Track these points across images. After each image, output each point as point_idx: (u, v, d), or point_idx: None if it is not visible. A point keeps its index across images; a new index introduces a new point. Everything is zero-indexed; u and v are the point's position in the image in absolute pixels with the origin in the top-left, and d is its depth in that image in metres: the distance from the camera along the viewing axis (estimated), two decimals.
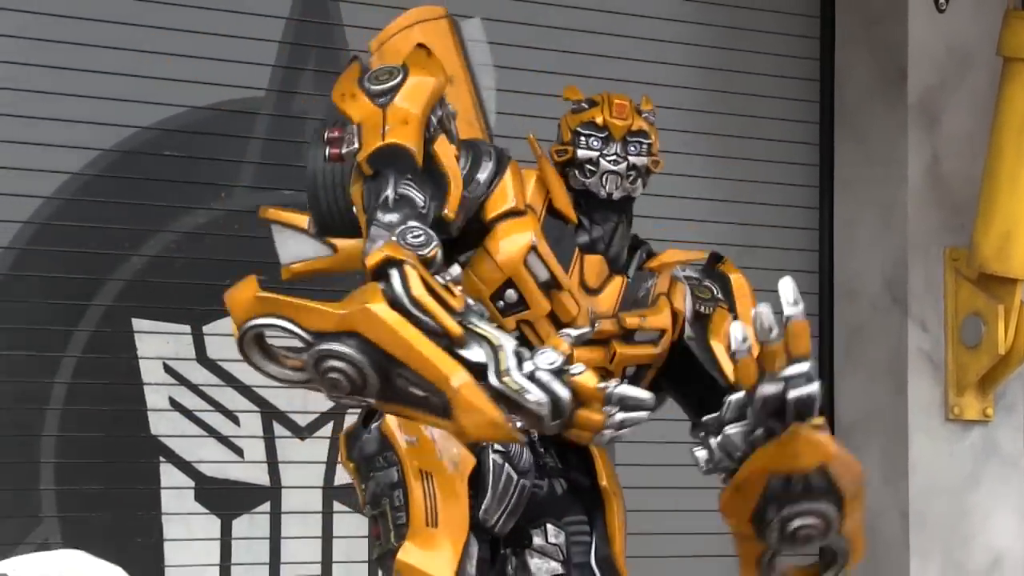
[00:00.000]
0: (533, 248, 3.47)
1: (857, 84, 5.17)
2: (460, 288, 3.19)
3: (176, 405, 4.34)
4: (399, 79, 3.38)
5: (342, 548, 4.53)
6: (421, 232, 3.15)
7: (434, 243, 3.15)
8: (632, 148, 3.55)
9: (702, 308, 3.71)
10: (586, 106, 3.60)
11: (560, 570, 3.58)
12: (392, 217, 3.21)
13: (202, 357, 4.38)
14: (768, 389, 3.27)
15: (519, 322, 3.47)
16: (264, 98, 4.47)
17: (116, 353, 4.26)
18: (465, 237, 3.47)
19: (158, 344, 4.33)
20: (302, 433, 4.50)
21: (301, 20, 4.50)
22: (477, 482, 3.53)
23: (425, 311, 2.98)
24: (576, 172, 3.55)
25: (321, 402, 4.28)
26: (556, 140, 3.64)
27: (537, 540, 3.55)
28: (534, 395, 2.94)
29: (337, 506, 4.53)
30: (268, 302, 3.07)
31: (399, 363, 3.00)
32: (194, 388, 4.37)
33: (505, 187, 3.52)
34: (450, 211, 3.34)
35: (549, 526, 3.57)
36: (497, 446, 3.51)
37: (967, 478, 4.99)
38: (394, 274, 3.03)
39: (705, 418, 3.51)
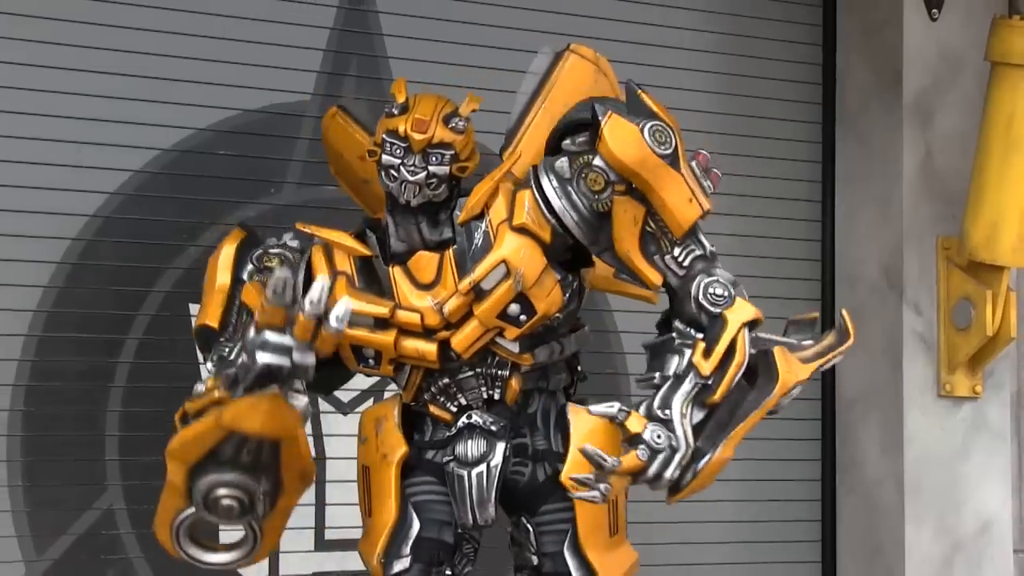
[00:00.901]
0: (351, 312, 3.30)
1: (856, 87, 5.17)
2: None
3: None
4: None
5: None
6: (200, 384, 3.35)
7: (208, 380, 3.34)
8: (433, 159, 3.38)
9: (600, 205, 3.39)
10: (396, 112, 3.43)
11: (535, 561, 3.53)
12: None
13: None
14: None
15: (393, 363, 3.43)
16: (310, 101, 4.46)
17: (174, 335, 4.25)
18: None
19: None
20: (344, 409, 4.49)
21: (344, 30, 4.49)
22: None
23: (201, 410, 3.21)
24: (383, 175, 3.41)
25: (361, 381, 4.31)
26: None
27: (511, 531, 3.56)
28: (252, 362, 3.12)
29: None
30: (161, 530, 3.34)
31: (219, 448, 3.13)
32: None
33: (314, 266, 3.50)
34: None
35: (522, 519, 3.52)
36: (447, 456, 3.50)
37: (958, 450, 4.99)
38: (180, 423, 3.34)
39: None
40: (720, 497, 4.12)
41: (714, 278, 3.38)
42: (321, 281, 3.10)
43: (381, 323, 3.37)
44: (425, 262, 3.42)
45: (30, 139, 4.11)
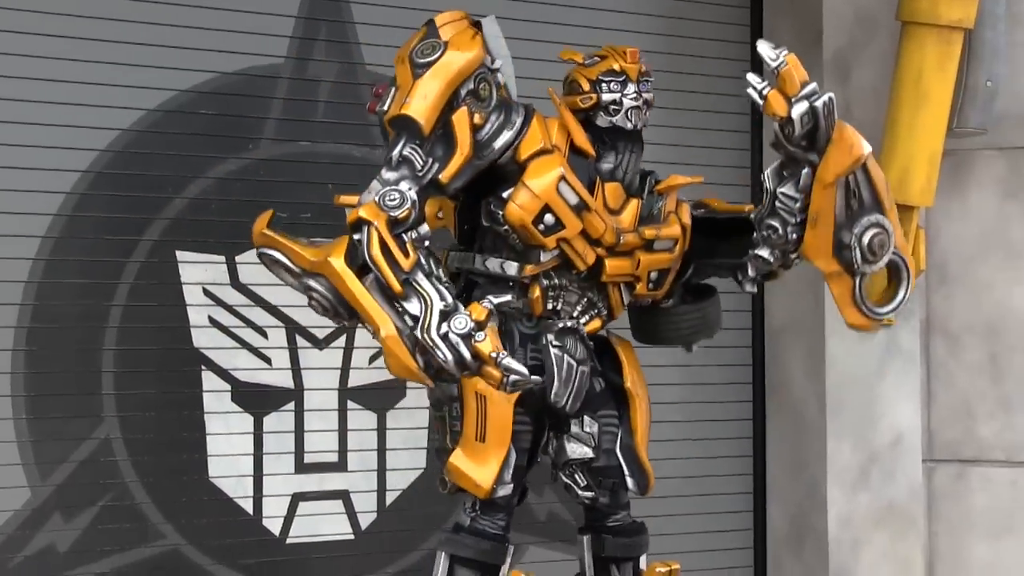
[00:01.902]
0: (563, 177, 3.50)
1: (783, 43, 5.04)
2: (427, 242, 3.38)
3: (214, 322, 4.37)
4: (437, 55, 3.42)
5: (355, 439, 4.56)
6: (397, 196, 3.30)
7: (406, 205, 3.31)
8: (643, 86, 3.62)
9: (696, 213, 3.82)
10: (598, 59, 3.65)
11: (591, 454, 3.63)
12: (391, 175, 3.35)
13: (235, 282, 4.40)
14: (800, 108, 3.50)
15: (559, 240, 3.51)
16: (283, 64, 4.45)
17: (163, 280, 4.28)
18: (506, 177, 3.51)
19: (198, 272, 4.35)
20: (320, 344, 4.52)
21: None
22: (541, 411, 3.63)
23: (377, 268, 3.23)
24: (602, 113, 3.58)
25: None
26: (569, 91, 3.65)
27: (575, 428, 3.62)
28: (442, 353, 3.20)
29: (351, 404, 4.57)
30: (268, 238, 3.43)
31: (351, 304, 3.29)
32: (229, 308, 4.39)
33: (534, 133, 3.52)
34: (445, 177, 3.40)
35: (585, 417, 3.63)
36: (554, 340, 3.58)
37: (874, 372, 5.04)
38: (362, 233, 3.26)
39: (753, 215, 3.71)
40: (660, 418, 4.20)
41: None
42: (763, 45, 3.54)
43: (575, 208, 3.50)
44: (617, 193, 3.62)
45: (28, 101, 4.10)
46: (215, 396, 4.38)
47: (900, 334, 5.05)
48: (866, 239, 3.62)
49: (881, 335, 4.99)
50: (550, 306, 3.61)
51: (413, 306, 3.23)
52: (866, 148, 3.65)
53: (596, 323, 3.69)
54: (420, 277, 3.26)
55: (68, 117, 4.15)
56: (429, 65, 3.40)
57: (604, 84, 3.58)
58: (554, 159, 3.51)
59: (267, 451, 4.44)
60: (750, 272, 3.79)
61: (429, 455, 4.57)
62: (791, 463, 5.13)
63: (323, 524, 4.50)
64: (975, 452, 5.15)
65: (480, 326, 3.24)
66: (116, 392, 4.23)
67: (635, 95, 3.59)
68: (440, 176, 3.39)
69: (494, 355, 3.22)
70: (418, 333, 3.20)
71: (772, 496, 5.21)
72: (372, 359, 4.58)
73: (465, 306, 3.27)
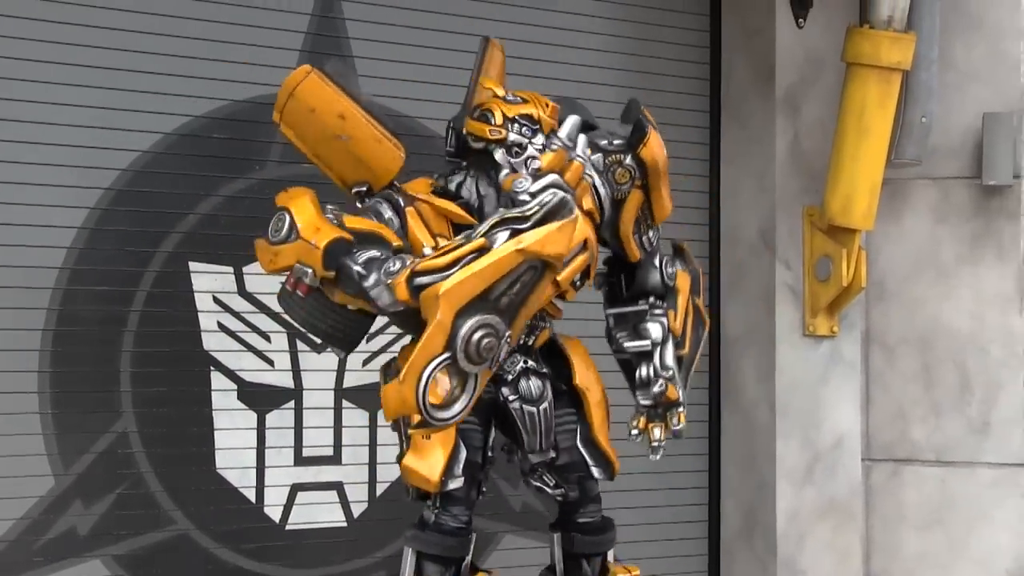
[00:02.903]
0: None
1: (737, 81, 5.18)
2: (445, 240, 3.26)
3: (222, 327, 4.35)
4: (286, 219, 3.28)
5: (349, 435, 4.54)
6: (395, 261, 3.11)
7: (405, 258, 3.13)
8: (550, 141, 3.48)
9: (618, 194, 3.59)
10: (520, 100, 3.49)
11: (552, 454, 3.58)
12: (376, 274, 3.14)
13: (242, 291, 4.39)
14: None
15: None
16: None
17: (176, 288, 4.27)
18: None
19: (208, 281, 4.34)
20: (318, 348, 4.45)
21: (316, 34, 4.45)
22: (510, 429, 3.57)
23: (460, 259, 2.96)
24: (503, 150, 3.43)
25: None
26: (479, 118, 3.48)
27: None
28: (549, 195, 3.07)
29: (345, 403, 4.54)
30: (407, 385, 2.96)
31: (494, 286, 2.97)
32: (236, 314, 4.38)
33: (415, 235, 3.39)
34: (399, 242, 3.30)
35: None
36: (510, 395, 3.51)
37: (819, 378, 5.03)
38: (418, 279, 2.99)
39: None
40: (617, 418, 4.17)
41: (668, 256, 3.71)
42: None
43: None
44: None
45: (57, 125, 4.09)
46: (222, 394, 4.36)
47: (842, 345, 5.07)
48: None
49: (825, 346, 5.02)
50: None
51: (501, 235, 3.01)
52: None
53: (544, 335, 3.63)
54: (473, 231, 3.09)
55: (93, 139, 4.14)
56: (293, 227, 3.26)
57: (517, 125, 3.44)
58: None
59: (269, 445, 4.43)
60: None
61: None
62: (743, 461, 5.15)
63: (319, 512, 4.50)
64: (908, 452, 5.14)
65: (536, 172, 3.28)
66: (133, 390, 4.22)
67: (540, 147, 3.45)
68: (396, 245, 3.27)
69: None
70: (531, 219, 3.02)
71: (726, 491, 5.22)
72: (365, 362, 4.55)
73: None
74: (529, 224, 3.00)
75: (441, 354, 2.93)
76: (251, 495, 4.42)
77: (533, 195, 3.12)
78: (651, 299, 3.65)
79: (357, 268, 3.16)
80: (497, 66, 3.78)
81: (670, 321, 3.62)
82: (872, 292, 5.12)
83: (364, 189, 3.43)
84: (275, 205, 3.39)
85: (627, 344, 3.63)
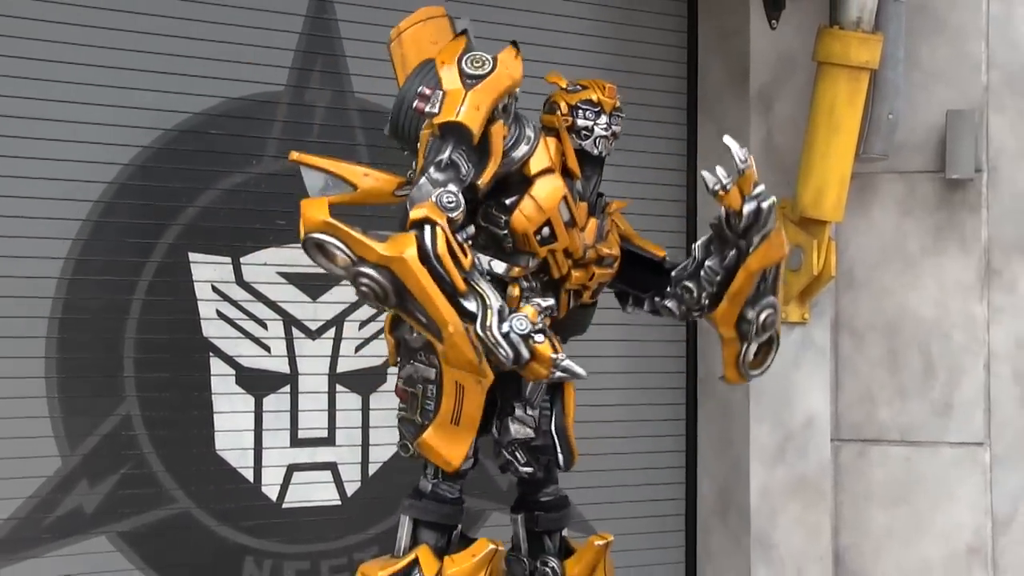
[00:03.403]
0: (564, 197, 3.46)
1: (713, 81, 5.20)
2: (471, 243, 3.28)
3: (220, 315, 4.36)
4: (487, 70, 3.31)
5: (342, 418, 4.56)
6: (454, 198, 3.14)
7: (461, 208, 3.15)
8: (614, 119, 3.58)
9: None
10: (580, 88, 3.59)
11: (532, 435, 3.60)
12: (440, 176, 3.20)
13: (239, 280, 4.40)
14: (750, 206, 3.54)
15: (548, 250, 3.47)
16: (283, 92, 4.45)
17: (177, 277, 4.28)
18: (511, 185, 3.43)
19: (207, 271, 4.35)
20: (313, 335, 4.51)
21: (310, 34, 4.46)
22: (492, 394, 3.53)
23: (443, 266, 3.04)
24: (574, 136, 3.53)
25: (326, 312, 4.50)
26: (548, 110, 3.58)
27: (518, 412, 3.59)
28: (504, 351, 3.08)
29: (339, 388, 4.56)
30: (332, 227, 3.13)
31: (415, 298, 3.07)
32: (234, 303, 4.39)
33: (542, 150, 3.45)
34: (482, 182, 3.30)
35: (527, 406, 3.59)
36: None
37: (791, 363, 4.99)
38: (427, 231, 3.06)
39: (673, 272, 3.75)
40: (606, 403, 4.23)
41: None
42: (731, 142, 3.51)
43: (567, 224, 3.48)
44: (584, 212, 3.56)
45: (62, 121, 4.09)
46: (221, 379, 4.38)
47: (813, 331, 5.07)
48: (762, 317, 3.65)
49: (797, 332, 5.01)
50: (522, 303, 3.43)
51: (471, 304, 3.09)
52: (787, 248, 3.73)
53: (548, 322, 3.53)
54: (477, 277, 3.15)
55: (96, 135, 4.15)
56: (480, 78, 3.30)
57: (581, 111, 3.54)
58: (557, 179, 3.47)
59: (266, 427, 4.45)
60: (645, 308, 3.84)
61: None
62: (718, 442, 5.17)
63: (314, 491, 4.51)
64: (875, 433, 5.14)
65: (536, 327, 3.13)
66: (136, 375, 4.23)
67: (606, 126, 3.56)
68: (479, 181, 3.30)
69: (554, 356, 3.14)
70: (480, 331, 3.07)
71: (702, 471, 5.23)
72: (358, 348, 4.58)
73: None
74: (480, 334, 3.10)
75: (341, 265, 3.18)
76: (249, 475, 4.43)
77: (505, 335, 3.11)
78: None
79: (444, 155, 3.24)
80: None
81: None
82: (841, 281, 5.13)
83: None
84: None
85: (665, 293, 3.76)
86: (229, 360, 4.42)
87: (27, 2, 4.07)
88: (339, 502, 4.58)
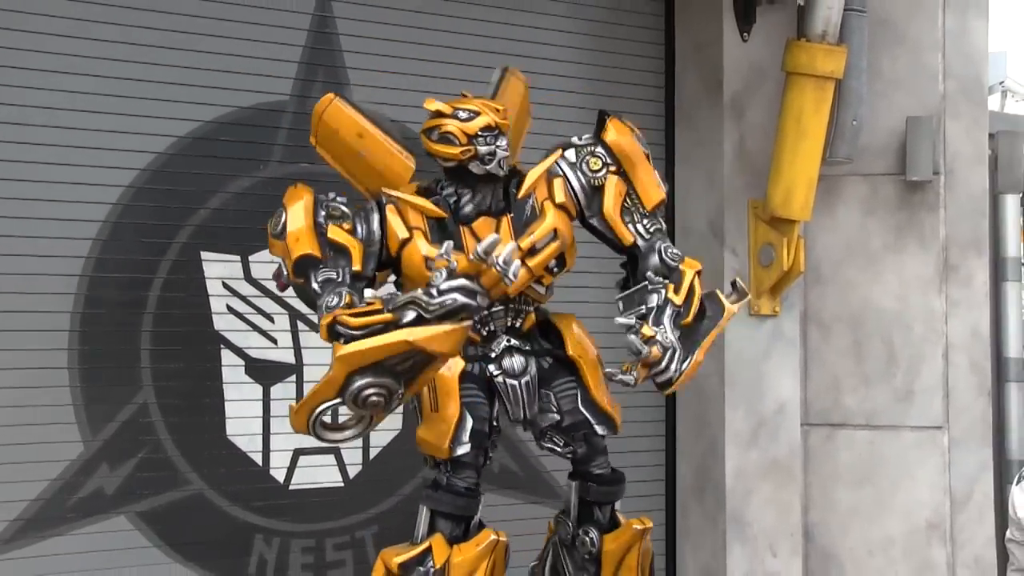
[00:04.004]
0: (426, 259, 3.42)
1: (689, 89, 5.21)
2: (374, 295, 3.27)
3: (231, 309, 4.39)
4: (282, 219, 3.44)
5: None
6: (334, 296, 3.25)
7: (343, 295, 3.25)
8: (506, 135, 3.52)
9: (595, 181, 3.62)
10: (472, 114, 3.47)
11: (557, 418, 3.62)
12: (325, 300, 3.28)
13: (248, 277, 4.42)
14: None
15: None
16: (288, 101, 4.47)
17: (190, 275, 4.31)
18: (393, 263, 3.52)
19: (218, 268, 4.37)
20: (316, 328, 4.14)
21: (313, 47, 4.49)
22: (494, 398, 3.59)
23: (370, 326, 3.11)
24: (478, 162, 3.46)
25: None
26: (441, 140, 3.49)
27: (539, 403, 3.62)
28: (450, 299, 3.13)
29: None
30: (300, 414, 3.20)
31: (386, 359, 3.09)
32: (242, 298, 4.42)
33: (391, 227, 3.47)
34: (358, 267, 3.40)
35: (542, 391, 3.62)
36: (494, 370, 3.55)
37: (762, 354, 5.04)
38: (337, 328, 3.15)
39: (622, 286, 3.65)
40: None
41: (668, 244, 3.63)
42: (498, 240, 3.25)
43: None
44: (486, 224, 3.52)
45: (82, 130, 4.13)
46: (232, 369, 4.40)
47: (783, 323, 5.09)
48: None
49: (768, 324, 5.03)
50: (485, 332, 3.57)
51: (408, 315, 3.13)
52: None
53: (530, 319, 3.67)
54: (392, 303, 3.19)
55: (114, 142, 4.19)
56: (283, 226, 3.42)
57: (481, 138, 3.45)
58: (414, 245, 3.46)
59: (274, 414, 4.46)
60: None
61: (405, 419, 4.52)
62: (696, 426, 5.18)
63: (319, 474, 4.52)
64: (841, 418, 5.14)
65: (449, 271, 3.16)
66: (152, 365, 4.26)
67: (505, 146, 3.49)
68: (355, 270, 3.38)
69: (472, 257, 3.22)
70: (425, 315, 3.12)
71: (680, 453, 5.24)
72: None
73: None
74: (429, 317, 3.13)
75: (331, 399, 3.15)
76: (258, 459, 4.45)
77: (440, 292, 3.16)
78: (650, 275, 3.57)
79: (314, 286, 3.36)
80: (516, 95, 3.81)
81: (668, 292, 3.50)
82: (809, 276, 5.13)
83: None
84: (282, 198, 3.53)
85: (617, 319, 3.55)
86: (239, 351, 4.43)
87: (56, 21, 4.12)
88: (342, 484, 4.59)
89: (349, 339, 3.11)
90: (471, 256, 3.30)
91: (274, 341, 4.51)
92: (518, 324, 3.66)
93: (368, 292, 3.32)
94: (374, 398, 3.13)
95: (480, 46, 4.53)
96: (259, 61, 4.43)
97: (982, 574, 5.04)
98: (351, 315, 3.15)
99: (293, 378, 4.54)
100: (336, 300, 3.24)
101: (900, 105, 5.10)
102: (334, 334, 3.16)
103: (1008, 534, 4.34)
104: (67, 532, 4.12)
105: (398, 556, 3.49)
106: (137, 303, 4.27)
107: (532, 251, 3.54)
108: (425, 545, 3.47)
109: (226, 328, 4.42)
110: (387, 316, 3.13)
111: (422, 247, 3.48)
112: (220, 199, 4.42)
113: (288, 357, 4.54)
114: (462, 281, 3.16)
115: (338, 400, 3.13)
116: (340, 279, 3.34)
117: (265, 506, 4.45)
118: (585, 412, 3.65)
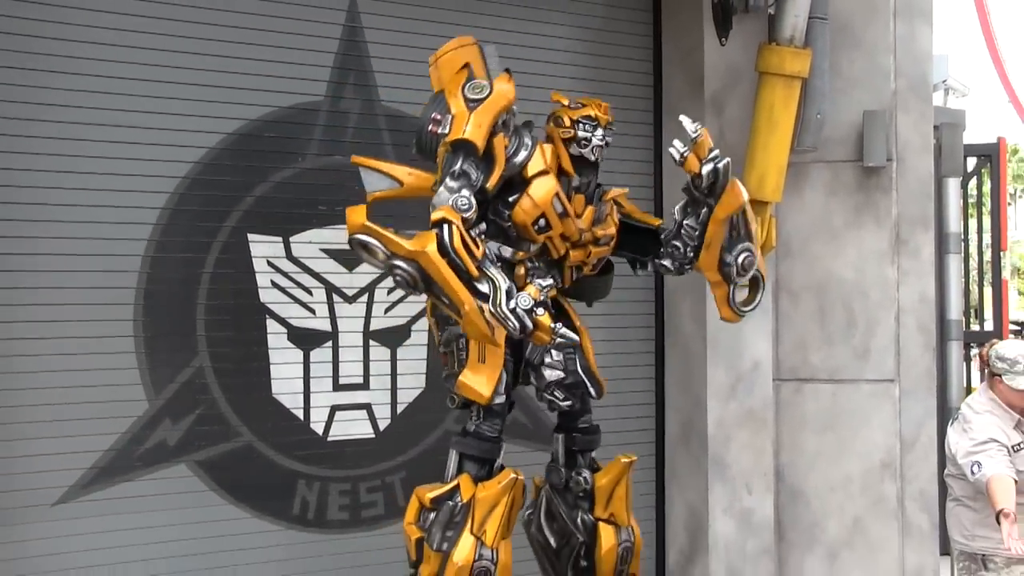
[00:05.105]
0: (556, 194, 3.49)
1: (675, 88, 5.18)
2: (483, 237, 3.30)
3: (274, 284, 4.38)
4: (486, 94, 3.32)
5: (375, 367, 4.57)
6: (466, 201, 3.19)
7: (472, 208, 3.20)
8: (607, 132, 3.61)
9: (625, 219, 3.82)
10: (580, 105, 3.59)
11: (563, 375, 3.64)
12: (454, 184, 3.25)
13: (289, 255, 4.42)
14: (708, 167, 3.56)
15: (545, 237, 3.50)
16: (322, 101, 4.46)
17: (238, 254, 4.33)
18: (513, 185, 3.46)
19: (263, 248, 4.37)
20: (350, 300, 4.52)
21: (344, 54, 4.47)
22: (517, 347, 3.59)
23: (459, 257, 3.10)
24: (576, 145, 3.55)
25: (361, 280, 4.47)
26: (555, 123, 3.58)
27: (547, 359, 3.63)
28: (512, 323, 3.14)
29: (372, 342, 4.55)
30: (370, 228, 3.21)
31: (437, 284, 3.11)
32: (284, 274, 4.41)
33: (538, 156, 3.47)
34: (490, 185, 3.35)
35: (553, 351, 3.62)
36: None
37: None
38: (445, 229, 3.12)
39: (663, 233, 3.76)
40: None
41: None
42: (684, 118, 3.47)
43: (560, 216, 3.49)
44: (581, 202, 3.61)
45: (145, 128, 4.13)
46: (276, 337, 4.40)
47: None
48: (740, 259, 3.67)
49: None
50: (528, 281, 3.54)
51: (483, 286, 3.13)
52: (746, 196, 3.68)
53: (554, 292, 3.66)
54: (488, 264, 3.19)
55: (172, 139, 4.21)
56: (480, 101, 3.31)
57: (581, 124, 3.55)
58: (551, 179, 3.48)
59: (313, 376, 4.47)
60: (649, 269, 3.85)
61: (428, 379, 4.59)
62: (682, 382, 5.18)
63: (353, 427, 4.54)
64: (808, 373, 5.14)
65: (537, 302, 3.18)
66: (206, 334, 4.27)
67: (601, 138, 3.59)
68: (487, 185, 3.34)
69: (553, 326, 3.21)
70: (492, 308, 3.11)
71: (668, 406, 5.24)
72: (387, 310, 4.58)
73: None
74: (486, 312, 3.14)
75: (384, 252, 3.21)
76: (300, 414, 4.46)
77: (511, 310, 3.16)
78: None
79: (457, 165, 3.28)
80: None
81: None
82: (780, 250, 5.14)
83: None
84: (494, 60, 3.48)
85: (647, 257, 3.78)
86: (282, 321, 4.44)
87: (127, 34, 4.12)
88: (373, 436, 4.60)
89: (440, 245, 3.10)
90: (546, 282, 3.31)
91: (312, 312, 4.50)
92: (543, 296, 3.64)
93: (482, 226, 3.33)
94: (398, 276, 3.18)
95: (502, 52, 4.47)
96: (297, 67, 4.43)
97: (926, 505, 5.05)
98: (460, 235, 3.13)
99: (329, 344, 4.54)
100: (467, 204, 3.20)
101: (858, 101, 5.08)
102: (439, 227, 3.12)
103: (947, 470, 4.35)
104: (135, 478, 4.15)
105: (430, 492, 3.52)
106: (193, 279, 4.28)
107: (598, 242, 3.65)
108: (454, 483, 3.49)
109: (270, 301, 4.42)
110: (473, 270, 3.12)
111: (549, 185, 3.47)
112: (264, 188, 4.41)
113: (325, 326, 4.53)
114: (529, 321, 3.17)
115: (381, 254, 3.18)
116: (475, 181, 3.29)
117: (306, 455, 4.46)
118: (584, 376, 3.70)
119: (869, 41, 5.12)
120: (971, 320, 8.65)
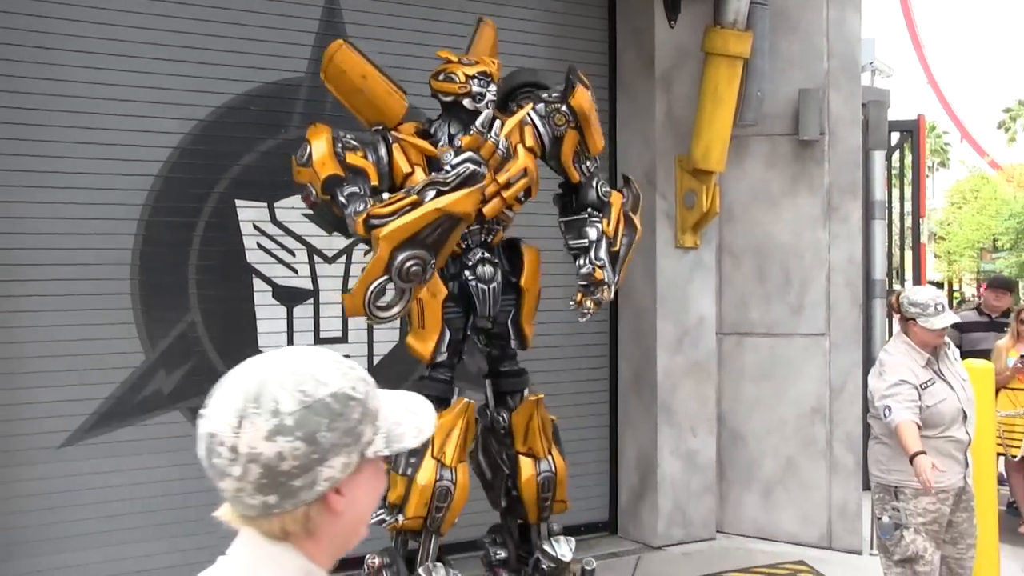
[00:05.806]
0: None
1: (629, 66, 5.16)
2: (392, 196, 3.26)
3: (260, 246, 4.39)
4: (307, 150, 3.33)
5: (352, 322, 4.53)
6: (360, 203, 3.21)
7: (368, 202, 3.21)
8: (493, 85, 3.51)
9: (557, 132, 3.61)
10: (473, 61, 3.50)
11: (489, 325, 3.61)
12: (353, 207, 3.23)
13: (273, 219, 4.41)
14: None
15: None
16: (304, 77, 4.42)
17: (226, 218, 4.32)
18: (395, 189, 3.41)
19: (249, 212, 4.36)
20: (329, 260, 4.53)
21: (324, 34, 4.41)
22: (469, 303, 3.56)
23: (399, 210, 3.12)
24: (470, 99, 3.45)
25: (339, 243, 4.41)
26: (445, 79, 3.46)
27: (478, 321, 3.60)
28: (463, 168, 3.19)
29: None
30: (356, 296, 3.16)
31: (420, 231, 3.08)
32: (269, 236, 4.41)
33: (397, 162, 3.42)
34: (375, 183, 3.35)
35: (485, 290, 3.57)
36: (469, 275, 3.51)
37: (686, 278, 5.07)
38: (372, 221, 3.14)
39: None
40: (552, 308, 4.20)
41: (603, 181, 3.71)
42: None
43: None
44: (472, 138, 3.45)
45: (139, 102, 4.10)
46: (261, 294, 4.41)
47: (703, 254, 5.12)
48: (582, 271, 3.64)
49: (690, 255, 5.05)
50: (464, 245, 3.55)
51: (430, 193, 3.15)
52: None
53: (499, 235, 3.65)
54: (411, 188, 3.21)
55: (164, 112, 4.19)
56: (309, 155, 3.32)
57: (476, 80, 3.47)
58: (415, 178, 3.39)
59: (296, 330, 4.49)
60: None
61: (400, 334, 4.55)
62: (634, 336, 5.19)
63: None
64: (748, 328, 5.21)
65: (458, 149, 3.15)
66: (198, 292, 4.28)
67: (494, 92, 3.52)
68: (373, 185, 3.35)
69: (472, 130, 3.21)
70: (445, 188, 3.14)
71: (621, 356, 5.26)
72: (363, 269, 4.62)
73: None
74: (448, 188, 3.14)
75: (380, 277, 3.14)
76: None
77: (453, 167, 3.19)
78: (589, 210, 3.65)
79: (342, 199, 3.29)
80: (488, 41, 3.76)
81: (604, 226, 3.62)
82: (724, 216, 5.19)
83: (380, 127, 3.48)
84: (306, 135, 3.44)
85: (571, 242, 3.65)
86: (267, 280, 4.45)
87: (121, 14, 4.06)
88: None
89: (383, 225, 3.10)
90: (471, 130, 3.31)
91: (295, 271, 4.52)
92: (489, 240, 3.64)
93: (385, 196, 3.28)
94: (415, 268, 3.12)
95: (461, 32, 4.44)
96: (279, 45, 4.43)
97: (852, 445, 5.15)
98: (380, 206, 3.14)
99: (311, 301, 4.55)
100: (363, 206, 3.23)
101: (794, 79, 5.13)
102: (370, 226, 3.13)
103: (869, 412, 4.42)
104: (134, 423, 4.16)
105: None
106: (185, 241, 4.29)
107: (507, 185, 3.56)
108: None
109: (256, 261, 4.43)
110: (412, 198, 3.13)
111: (421, 178, 3.41)
112: (250, 157, 4.41)
113: (307, 284, 4.54)
114: (469, 154, 3.24)
115: (386, 277, 3.12)
116: (362, 193, 3.30)
117: None
118: (510, 328, 3.69)
119: (805, 25, 5.15)
120: (893, 280, 8.81)
